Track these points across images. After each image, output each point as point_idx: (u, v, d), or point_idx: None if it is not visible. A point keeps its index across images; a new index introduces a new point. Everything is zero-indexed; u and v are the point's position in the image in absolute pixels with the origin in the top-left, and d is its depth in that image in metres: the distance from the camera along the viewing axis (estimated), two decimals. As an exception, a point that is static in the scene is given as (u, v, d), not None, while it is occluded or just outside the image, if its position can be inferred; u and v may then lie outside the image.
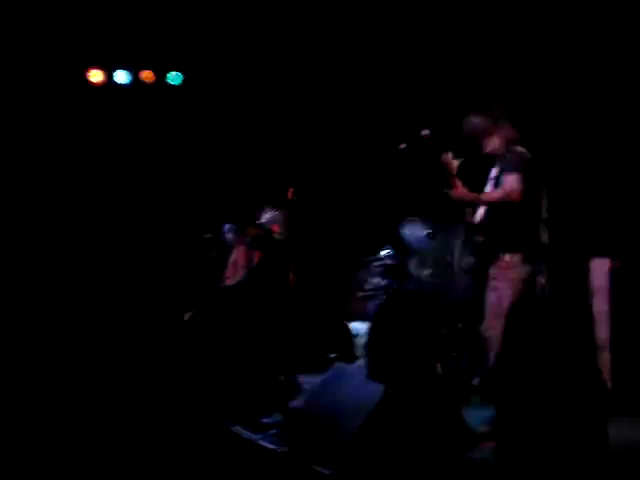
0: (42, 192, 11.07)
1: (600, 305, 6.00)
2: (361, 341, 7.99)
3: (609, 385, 5.65)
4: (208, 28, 10.54)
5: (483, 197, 5.10)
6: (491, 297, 4.99)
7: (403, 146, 5.47)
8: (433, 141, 5.43)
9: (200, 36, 10.77)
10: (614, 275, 6.01)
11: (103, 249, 11.31)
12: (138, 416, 6.95)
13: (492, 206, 5.10)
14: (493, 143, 5.23)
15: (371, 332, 3.32)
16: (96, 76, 11.11)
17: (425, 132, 5.43)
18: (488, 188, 5.22)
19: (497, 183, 5.11)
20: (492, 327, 4.88)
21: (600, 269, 6.03)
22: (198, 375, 6.10)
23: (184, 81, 11.61)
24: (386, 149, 5.95)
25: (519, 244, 4.97)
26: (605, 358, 5.81)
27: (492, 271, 5.01)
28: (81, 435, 6.12)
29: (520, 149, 5.11)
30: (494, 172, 5.22)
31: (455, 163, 5.10)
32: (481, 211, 5.22)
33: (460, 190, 5.07)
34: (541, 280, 5.36)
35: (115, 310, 9.47)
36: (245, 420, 5.55)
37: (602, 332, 5.90)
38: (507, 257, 4.96)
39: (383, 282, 8.38)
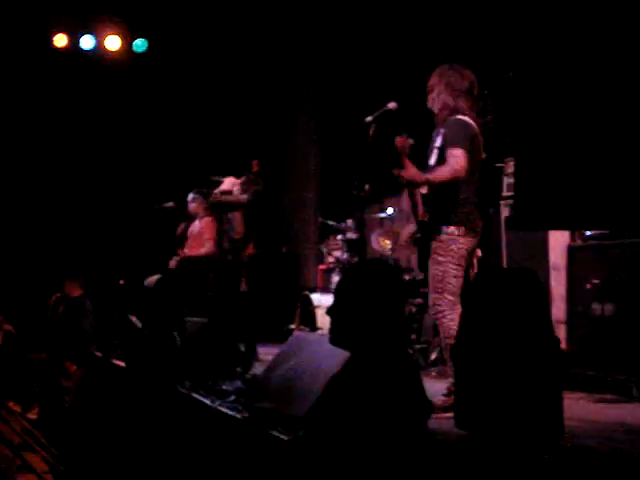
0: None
1: (558, 282, 6.11)
2: (321, 313, 8.04)
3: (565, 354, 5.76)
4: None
5: (432, 178, 4.98)
6: (433, 270, 4.94)
7: (369, 119, 5.46)
8: (400, 113, 5.43)
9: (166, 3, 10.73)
10: (571, 253, 6.12)
11: (62, 216, 11.26)
12: (99, 382, 6.97)
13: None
14: (434, 100, 5.15)
15: (335, 297, 3.33)
16: (61, 40, 11.00)
17: (392, 105, 5.43)
18: (432, 158, 5.10)
19: (441, 155, 5.03)
20: (437, 302, 4.88)
21: (558, 247, 6.13)
22: (158, 340, 6.10)
23: (149, 48, 11.54)
24: (353, 121, 5.95)
25: (461, 218, 4.94)
26: (561, 332, 5.92)
27: (434, 244, 4.97)
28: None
29: (466, 119, 5.00)
30: (438, 141, 5.08)
31: (409, 142, 5.02)
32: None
33: (411, 171, 4.96)
34: (479, 254, 5.43)
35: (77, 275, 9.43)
36: (205, 387, 5.56)
37: (560, 307, 6.02)
38: (449, 229, 4.93)
39: (345, 255, 8.43)
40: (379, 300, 3.22)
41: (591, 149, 3.09)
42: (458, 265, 4.87)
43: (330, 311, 3.29)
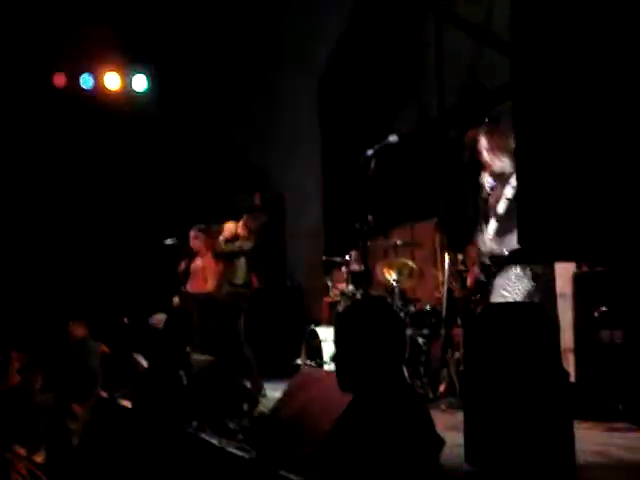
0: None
1: (564, 310, 6.07)
2: (328, 347, 7.98)
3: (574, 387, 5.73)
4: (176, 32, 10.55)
5: None
6: None
7: (370, 152, 5.48)
8: (400, 147, 5.46)
9: (166, 41, 10.78)
10: (577, 281, 6.09)
11: (64, 257, 11.25)
12: (106, 423, 6.92)
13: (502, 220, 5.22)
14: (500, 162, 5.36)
15: (335, 344, 3.31)
16: (60, 80, 11.05)
17: (393, 138, 5.45)
18: (501, 207, 5.39)
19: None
20: None
21: (564, 275, 6.10)
22: (164, 380, 6.06)
23: (149, 87, 11.58)
24: (356, 155, 5.97)
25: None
26: (569, 360, 5.89)
27: (499, 282, 5.09)
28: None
29: None
30: (509, 194, 5.34)
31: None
32: (493, 224, 5.35)
33: None
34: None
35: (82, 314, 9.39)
36: (212, 426, 5.52)
37: (567, 335, 5.98)
38: (518, 269, 5.05)
39: (350, 288, 8.39)
40: (377, 341, 3.21)
41: (596, 180, 3.06)
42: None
43: (333, 358, 3.29)
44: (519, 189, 3.70)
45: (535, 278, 5.15)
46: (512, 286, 5.08)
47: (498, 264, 5.22)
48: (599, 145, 3.09)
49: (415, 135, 5.59)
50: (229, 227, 8.30)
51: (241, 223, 8.15)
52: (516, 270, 5.11)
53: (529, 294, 5.08)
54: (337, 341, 3.31)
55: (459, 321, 7.10)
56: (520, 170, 3.48)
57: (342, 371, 3.27)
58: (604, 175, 3.04)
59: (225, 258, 8.23)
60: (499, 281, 5.20)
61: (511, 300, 4.99)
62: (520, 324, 3.30)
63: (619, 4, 3.09)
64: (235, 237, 8.28)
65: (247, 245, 8.08)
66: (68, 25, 10.39)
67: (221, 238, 8.18)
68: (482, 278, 5.47)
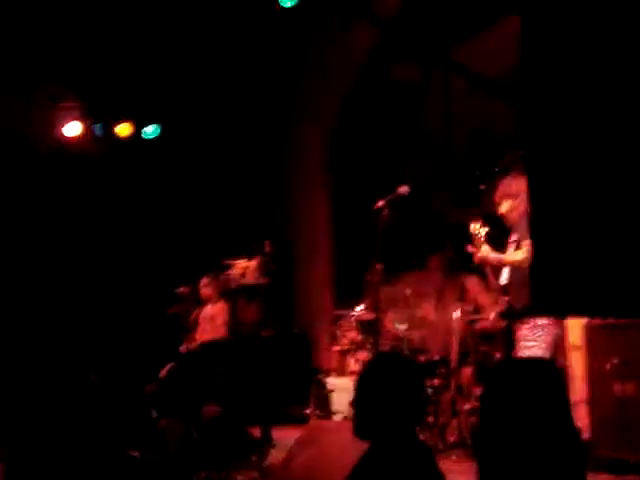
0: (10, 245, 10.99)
1: (577, 361, 6.05)
2: (337, 396, 7.93)
3: (588, 437, 5.70)
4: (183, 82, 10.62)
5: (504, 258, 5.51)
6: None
7: (381, 203, 5.52)
8: (410, 198, 5.51)
9: (175, 89, 10.85)
10: (589, 332, 6.06)
11: (75, 303, 11.21)
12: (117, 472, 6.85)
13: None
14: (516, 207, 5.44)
15: (356, 392, 3.34)
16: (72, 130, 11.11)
17: (403, 189, 5.49)
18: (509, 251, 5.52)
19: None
20: None
21: (576, 326, 6.08)
22: (173, 430, 6.03)
23: (160, 135, 11.63)
24: (366, 205, 6.01)
25: None
26: (583, 411, 5.86)
27: (523, 332, 5.11)
28: None
29: None
30: (514, 237, 5.52)
31: (485, 229, 5.44)
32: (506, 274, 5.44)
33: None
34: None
35: (91, 364, 9.35)
36: (220, 478, 5.48)
37: (580, 387, 5.95)
38: (539, 320, 5.08)
39: (359, 337, 8.37)
40: (398, 394, 3.26)
41: (608, 238, 3.07)
42: (548, 352, 5.13)
43: (353, 404, 3.32)
44: (533, 244, 3.72)
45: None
46: (534, 336, 5.11)
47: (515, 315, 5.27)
48: (613, 199, 3.10)
49: (425, 186, 5.66)
50: (240, 265, 8.30)
51: (254, 263, 8.15)
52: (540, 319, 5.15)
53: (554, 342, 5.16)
54: (358, 390, 3.36)
55: (469, 371, 7.08)
56: (534, 225, 3.50)
57: (361, 418, 3.31)
58: (616, 230, 3.04)
59: (238, 294, 8.19)
60: (521, 332, 5.22)
61: (536, 350, 5.02)
62: (537, 382, 3.29)
63: (627, 54, 3.11)
64: (244, 274, 8.27)
65: (262, 281, 8.06)
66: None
67: (233, 273, 8.16)
68: (501, 325, 5.54)
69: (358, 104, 10.28)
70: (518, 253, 5.36)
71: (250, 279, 8.17)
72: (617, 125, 3.16)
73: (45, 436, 7.19)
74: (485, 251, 5.52)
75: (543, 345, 5.00)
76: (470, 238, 5.59)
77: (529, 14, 3.46)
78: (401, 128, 9.57)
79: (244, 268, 8.30)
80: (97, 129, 10.96)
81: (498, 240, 5.69)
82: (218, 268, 8.57)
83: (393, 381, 3.28)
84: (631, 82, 3.10)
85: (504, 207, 5.57)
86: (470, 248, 5.63)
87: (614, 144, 3.15)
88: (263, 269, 8.17)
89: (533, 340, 5.04)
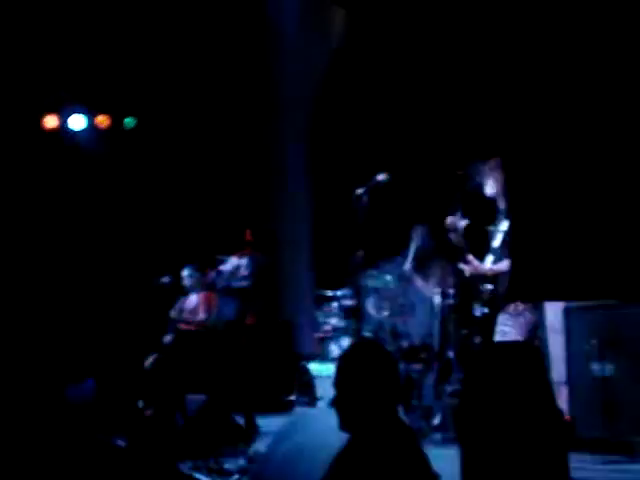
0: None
1: (556, 343, 6.11)
2: (320, 383, 7.98)
3: (568, 418, 5.77)
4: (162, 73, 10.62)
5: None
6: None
7: (360, 191, 5.54)
8: (390, 185, 5.52)
9: (153, 81, 10.84)
10: (568, 314, 6.12)
11: (57, 295, 11.20)
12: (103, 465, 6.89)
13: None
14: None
15: (335, 388, 3.37)
16: (50, 122, 11.08)
17: (381, 177, 5.51)
18: (497, 241, 5.54)
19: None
20: None
21: (554, 308, 6.14)
22: (159, 420, 6.06)
23: (138, 125, 11.62)
24: (344, 193, 6.03)
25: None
26: (563, 393, 5.92)
27: (502, 317, 5.17)
28: None
29: None
30: (506, 226, 5.49)
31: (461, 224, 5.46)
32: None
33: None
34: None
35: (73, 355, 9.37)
36: (207, 466, 5.52)
37: (559, 368, 6.02)
38: (518, 304, 5.14)
39: (342, 323, 8.40)
40: (376, 382, 3.28)
41: (581, 227, 3.15)
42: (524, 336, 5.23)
43: (333, 403, 3.34)
44: (512, 240, 3.81)
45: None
46: (513, 320, 5.18)
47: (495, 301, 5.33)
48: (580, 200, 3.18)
49: (405, 173, 5.68)
50: (231, 262, 8.36)
51: (244, 261, 8.22)
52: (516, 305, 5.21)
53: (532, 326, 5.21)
54: (336, 386, 3.38)
55: (452, 355, 7.13)
56: (514, 222, 3.59)
57: (343, 413, 3.33)
58: (588, 222, 3.12)
59: (225, 293, 8.26)
60: (500, 317, 5.29)
61: (513, 335, 5.08)
62: (517, 364, 3.35)
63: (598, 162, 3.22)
64: (235, 272, 8.34)
65: (244, 284, 8.14)
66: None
67: (223, 269, 8.21)
68: (478, 314, 5.56)
69: (336, 94, 10.29)
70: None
71: (239, 278, 8.26)
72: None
73: (30, 427, 7.23)
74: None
75: (519, 330, 5.06)
76: (448, 230, 5.56)
77: None
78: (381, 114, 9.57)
79: (235, 265, 8.36)
80: (76, 120, 10.96)
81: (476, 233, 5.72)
82: (209, 263, 8.62)
83: (368, 368, 3.30)
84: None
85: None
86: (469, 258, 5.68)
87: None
88: (254, 268, 8.24)
89: (511, 326, 5.10)
